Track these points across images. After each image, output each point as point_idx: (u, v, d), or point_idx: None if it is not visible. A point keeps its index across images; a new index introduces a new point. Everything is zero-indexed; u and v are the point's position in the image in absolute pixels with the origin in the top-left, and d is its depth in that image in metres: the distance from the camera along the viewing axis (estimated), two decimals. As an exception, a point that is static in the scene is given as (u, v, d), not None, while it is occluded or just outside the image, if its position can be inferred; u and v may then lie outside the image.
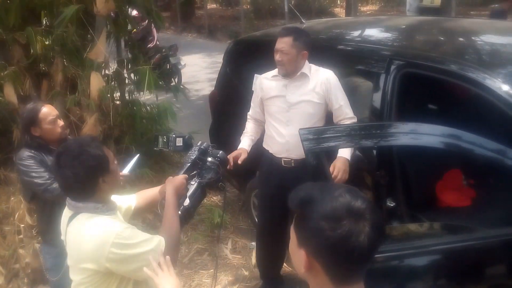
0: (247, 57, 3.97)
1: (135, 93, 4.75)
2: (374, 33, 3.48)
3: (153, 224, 3.89)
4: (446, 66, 2.39)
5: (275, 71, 2.87)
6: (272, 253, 3.27)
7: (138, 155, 2.98)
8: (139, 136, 4.39)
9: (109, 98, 3.97)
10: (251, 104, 3.05)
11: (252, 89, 3.49)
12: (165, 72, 8.48)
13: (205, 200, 4.51)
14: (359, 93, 2.85)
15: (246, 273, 3.60)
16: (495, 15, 6.38)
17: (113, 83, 4.44)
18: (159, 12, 4.66)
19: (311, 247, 1.05)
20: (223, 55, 4.35)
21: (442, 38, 3.06)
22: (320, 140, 1.79)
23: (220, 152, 2.19)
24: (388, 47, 2.82)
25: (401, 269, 1.87)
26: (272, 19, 17.47)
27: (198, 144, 2.20)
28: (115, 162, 1.78)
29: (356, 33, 3.50)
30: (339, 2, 21.46)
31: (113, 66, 4.57)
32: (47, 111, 2.50)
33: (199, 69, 11.15)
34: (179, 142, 2.28)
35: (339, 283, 1.06)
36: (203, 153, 2.15)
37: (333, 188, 1.08)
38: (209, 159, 2.12)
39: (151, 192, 2.12)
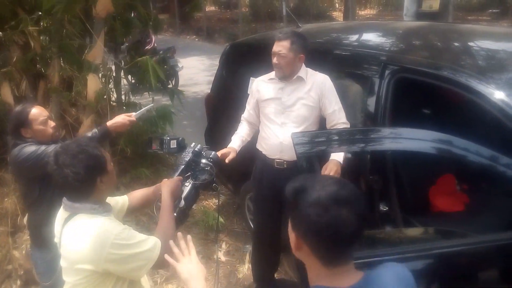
0: (242, 60, 3.98)
1: (131, 95, 4.76)
2: (369, 37, 3.49)
3: (147, 226, 3.88)
4: (440, 72, 2.39)
5: (272, 74, 2.89)
6: (266, 256, 3.27)
7: (152, 104, 3.00)
8: (135, 137, 4.39)
9: (106, 99, 3.97)
10: (246, 106, 3.07)
11: (248, 92, 3.50)
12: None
13: (200, 203, 4.53)
14: (353, 98, 2.85)
15: (240, 276, 3.60)
16: None
17: (110, 85, 4.44)
18: (157, 16, 4.67)
19: (300, 231, 1.17)
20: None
21: (437, 44, 3.08)
22: (313, 144, 1.79)
23: (213, 153, 2.22)
24: (383, 52, 2.83)
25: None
26: (270, 22, 17.53)
27: (192, 146, 2.22)
28: (112, 164, 1.81)
29: (351, 38, 3.51)
30: (337, 6, 21.56)
31: (111, 70, 4.58)
32: (38, 111, 2.46)
33: (197, 71, 11.17)
34: (173, 144, 2.32)
35: (327, 264, 1.17)
36: (197, 155, 2.18)
37: (324, 179, 1.20)
38: (203, 160, 2.16)
39: (144, 192, 2.14)
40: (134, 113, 2.76)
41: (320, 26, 4.86)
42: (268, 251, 3.23)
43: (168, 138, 2.33)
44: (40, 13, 3.90)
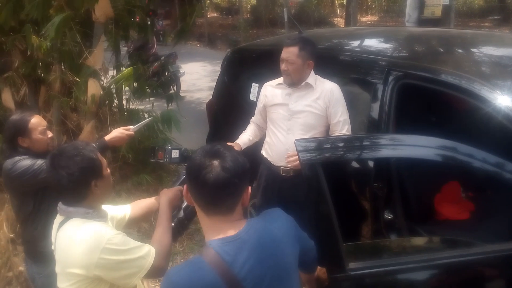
0: (244, 66, 3.96)
1: (132, 100, 4.74)
2: (372, 43, 3.48)
3: (148, 233, 3.85)
4: (444, 78, 2.37)
5: (280, 79, 2.88)
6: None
7: (150, 118, 2.97)
8: (136, 144, 4.37)
9: (107, 105, 3.95)
10: (255, 110, 3.06)
11: (250, 98, 3.48)
12: (164, 81, 8.49)
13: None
14: (357, 104, 2.83)
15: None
16: None
17: (112, 89, 4.43)
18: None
19: (186, 179, 1.40)
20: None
21: (440, 49, 3.05)
22: (317, 151, 1.77)
23: None
24: (386, 58, 2.81)
25: (398, 284, 1.83)
26: (272, 28, 17.55)
27: None
28: (108, 170, 1.80)
29: (354, 43, 3.49)
30: (338, 13, 21.60)
31: (112, 73, 4.57)
32: (38, 121, 2.42)
33: (199, 77, 11.17)
34: (175, 154, 2.28)
35: (207, 212, 1.38)
36: None
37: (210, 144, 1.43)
38: None
39: (146, 202, 2.13)
40: (132, 127, 2.73)
41: (322, 32, 4.85)
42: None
43: (170, 148, 2.30)
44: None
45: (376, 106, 2.62)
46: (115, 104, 4.60)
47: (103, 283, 1.65)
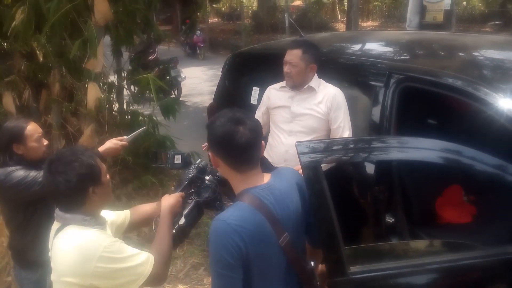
0: (245, 70, 3.96)
1: (132, 104, 4.74)
2: (373, 47, 3.47)
3: (148, 238, 3.83)
4: (445, 81, 2.36)
5: (283, 83, 2.89)
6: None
7: (144, 127, 2.99)
8: (136, 147, 4.36)
9: (107, 108, 3.95)
10: (256, 113, 3.06)
11: (251, 102, 3.48)
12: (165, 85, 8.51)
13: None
14: (359, 107, 2.82)
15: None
16: None
17: (112, 94, 4.43)
18: (158, 27, 4.67)
19: (213, 149, 1.61)
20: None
21: (442, 53, 3.05)
22: (318, 153, 1.76)
23: None
24: (388, 61, 2.80)
25: (399, 287, 1.81)
26: (273, 33, 17.60)
27: (197, 162, 2.15)
28: (108, 176, 1.75)
29: (355, 47, 3.49)
30: (339, 18, 21.65)
31: (113, 77, 4.57)
32: (33, 128, 2.38)
33: (200, 81, 11.20)
34: (178, 159, 2.24)
35: (237, 169, 1.59)
36: (201, 171, 2.09)
37: (226, 111, 1.63)
38: (207, 177, 2.07)
39: (147, 207, 2.10)
40: (126, 137, 2.69)
41: (323, 36, 4.85)
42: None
43: (173, 153, 2.26)
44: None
45: (377, 109, 2.61)
46: (116, 108, 4.60)
47: None
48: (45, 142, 2.44)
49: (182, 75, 9.19)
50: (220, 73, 4.38)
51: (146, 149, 4.37)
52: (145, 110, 5.00)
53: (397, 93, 2.55)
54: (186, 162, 2.23)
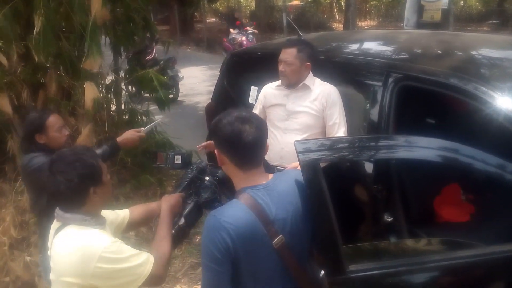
0: (243, 69, 3.96)
1: (130, 104, 4.73)
2: (371, 46, 3.47)
3: (146, 237, 3.82)
4: (444, 80, 2.36)
5: (279, 82, 2.90)
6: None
7: (159, 119, 3.01)
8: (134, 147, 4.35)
9: (105, 108, 3.93)
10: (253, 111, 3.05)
11: (249, 101, 3.47)
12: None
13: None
14: (357, 106, 2.82)
15: None
16: None
17: (109, 95, 4.42)
18: (151, 21, 4.66)
19: (219, 147, 1.63)
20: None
21: (440, 52, 3.05)
22: (316, 152, 1.75)
23: (220, 171, 2.10)
24: (386, 60, 2.80)
25: (398, 286, 1.81)
26: (271, 33, 17.60)
27: (197, 162, 2.15)
28: (108, 176, 1.76)
29: (353, 46, 3.49)
30: (337, 17, 21.66)
31: (111, 77, 4.56)
32: (54, 119, 2.53)
33: (198, 81, 11.18)
34: (178, 159, 2.25)
35: (242, 168, 1.61)
36: (201, 171, 2.10)
37: (231, 111, 1.63)
38: (207, 178, 2.07)
39: (146, 207, 2.10)
40: (143, 128, 2.80)
41: (322, 35, 4.85)
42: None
43: (173, 153, 2.28)
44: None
45: (375, 108, 2.61)
46: (113, 107, 4.59)
47: None
48: (66, 133, 2.59)
49: (180, 75, 9.17)
50: (217, 73, 4.37)
51: (145, 149, 4.36)
52: (143, 109, 4.99)
53: (395, 92, 2.54)
54: (186, 163, 2.23)
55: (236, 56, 4.30)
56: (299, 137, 2.70)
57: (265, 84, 3.05)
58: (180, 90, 9.33)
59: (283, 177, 1.70)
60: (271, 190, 1.60)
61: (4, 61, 3.67)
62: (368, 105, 2.69)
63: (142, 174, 4.38)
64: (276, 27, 17.89)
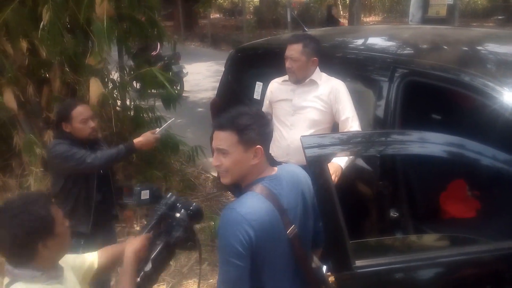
0: (248, 64, 3.95)
1: (135, 100, 4.73)
2: (377, 41, 3.46)
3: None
4: (450, 75, 2.35)
5: (286, 77, 2.90)
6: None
7: (173, 118, 3.07)
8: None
9: (110, 104, 3.94)
10: (263, 108, 3.07)
11: (254, 96, 3.47)
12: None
13: (206, 209, 4.47)
14: (363, 101, 2.81)
15: None
16: None
17: (115, 91, 4.42)
18: (161, 25, 4.65)
19: (261, 139, 1.63)
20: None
21: (446, 47, 3.03)
22: (323, 147, 1.75)
23: (194, 204, 1.89)
24: (392, 55, 2.79)
25: (404, 282, 1.81)
26: (275, 29, 17.56)
27: (167, 197, 1.91)
28: (66, 224, 1.55)
29: (359, 41, 3.48)
30: (341, 13, 21.56)
31: (115, 74, 4.56)
32: (81, 110, 2.58)
33: (203, 77, 11.18)
34: (145, 195, 2.04)
35: (267, 160, 1.67)
36: (171, 207, 1.86)
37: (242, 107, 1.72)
38: (178, 214, 1.83)
39: (116, 249, 1.91)
40: (158, 129, 2.84)
41: (327, 30, 4.83)
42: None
43: (139, 188, 2.05)
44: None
45: (382, 104, 2.61)
46: (119, 103, 4.59)
47: None
48: (92, 125, 2.62)
49: (185, 71, 9.18)
50: (222, 69, 4.37)
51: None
52: (148, 105, 5.00)
53: (401, 87, 2.54)
54: (155, 197, 2.01)
55: (241, 52, 4.29)
56: (306, 133, 2.68)
57: (270, 80, 3.04)
58: (185, 86, 9.34)
59: (287, 169, 1.76)
60: (282, 179, 1.66)
61: (11, 51, 3.69)
62: (374, 100, 2.68)
63: (148, 169, 4.38)
64: (280, 23, 17.82)
